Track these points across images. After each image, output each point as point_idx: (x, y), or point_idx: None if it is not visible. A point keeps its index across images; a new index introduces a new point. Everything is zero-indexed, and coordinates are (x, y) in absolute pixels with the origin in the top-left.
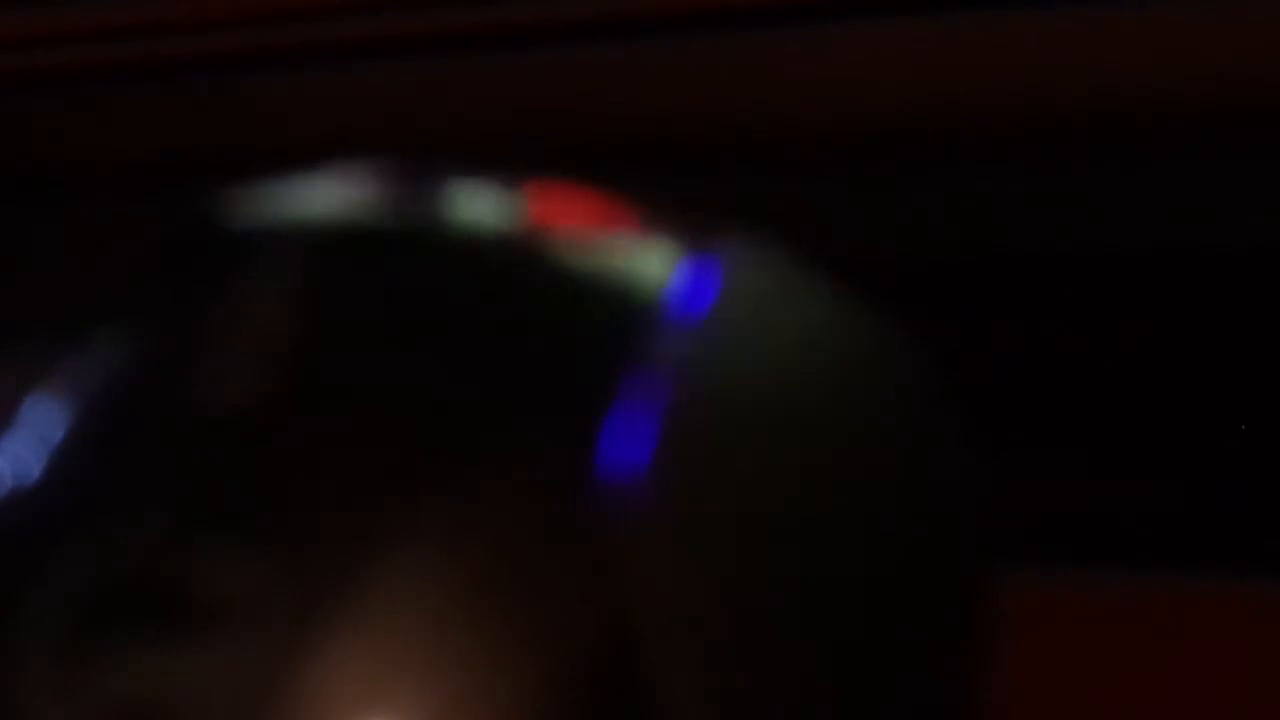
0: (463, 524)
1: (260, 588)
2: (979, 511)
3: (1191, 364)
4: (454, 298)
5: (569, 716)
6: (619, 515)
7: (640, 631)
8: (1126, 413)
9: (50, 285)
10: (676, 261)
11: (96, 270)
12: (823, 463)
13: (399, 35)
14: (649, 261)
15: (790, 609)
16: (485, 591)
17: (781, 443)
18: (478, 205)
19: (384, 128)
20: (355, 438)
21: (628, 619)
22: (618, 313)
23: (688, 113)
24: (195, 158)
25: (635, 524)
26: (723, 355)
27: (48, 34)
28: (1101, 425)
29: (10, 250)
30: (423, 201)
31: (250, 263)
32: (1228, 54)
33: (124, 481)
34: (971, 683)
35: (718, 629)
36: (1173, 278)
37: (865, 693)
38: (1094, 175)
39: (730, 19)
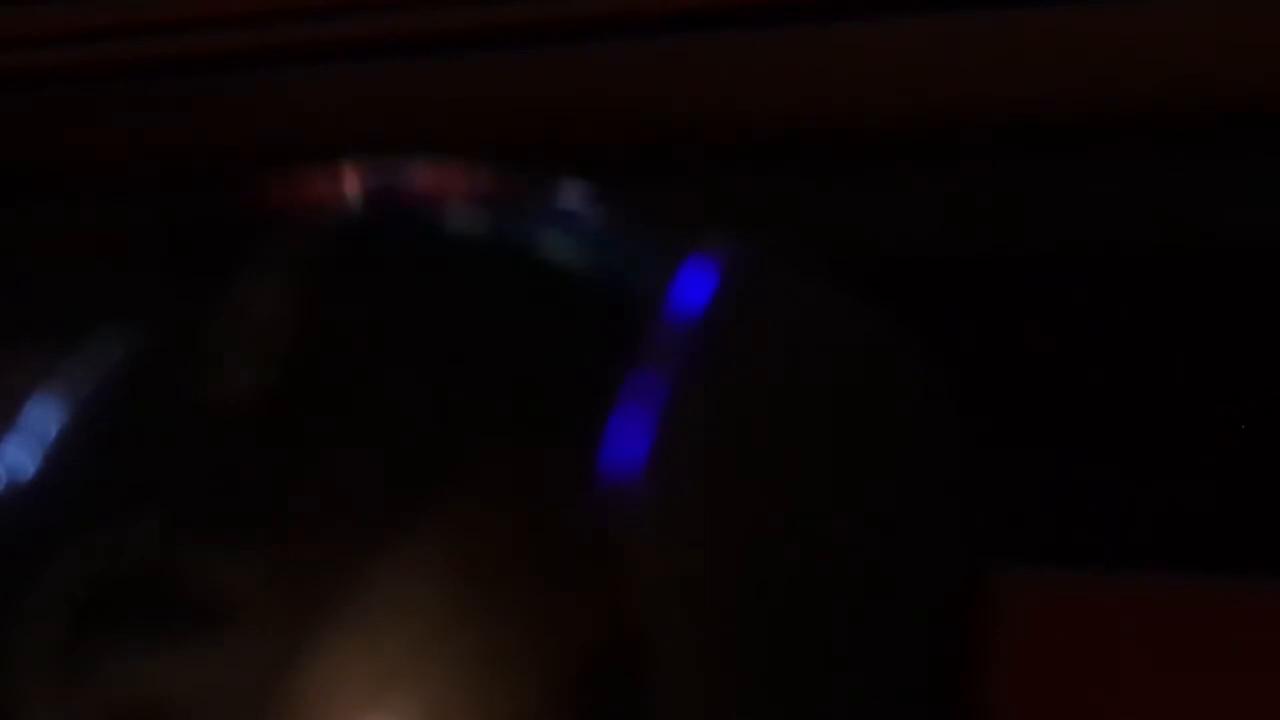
0: (462, 524)
1: (260, 588)
2: (979, 511)
3: (1192, 363)
4: (454, 298)
5: (569, 716)
6: (619, 515)
7: (640, 632)
8: (1127, 413)
9: (50, 285)
10: (676, 262)
11: (96, 270)
12: (822, 462)
13: (399, 35)
14: (649, 263)
15: (789, 608)
16: (485, 592)
17: (781, 442)
18: (477, 206)
19: (384, 128)
20: (355, 438)
21: (628, 619)
22: (617, 313)
23: (688, 113)
24: (193, 158)
25: (635, 524)
26: (721, 355)
27: (48, 34)
28: (1101, 425)
29: (10, 250)
30: (423, 202)
31: (249, 263)
32: (1226, 54)
33: (124, 481)
34: (971, 682)
35: (717, 628)
36: (1173, 278)
37: (865, 691)
38: (1094, 175)
39: (730, 19)
